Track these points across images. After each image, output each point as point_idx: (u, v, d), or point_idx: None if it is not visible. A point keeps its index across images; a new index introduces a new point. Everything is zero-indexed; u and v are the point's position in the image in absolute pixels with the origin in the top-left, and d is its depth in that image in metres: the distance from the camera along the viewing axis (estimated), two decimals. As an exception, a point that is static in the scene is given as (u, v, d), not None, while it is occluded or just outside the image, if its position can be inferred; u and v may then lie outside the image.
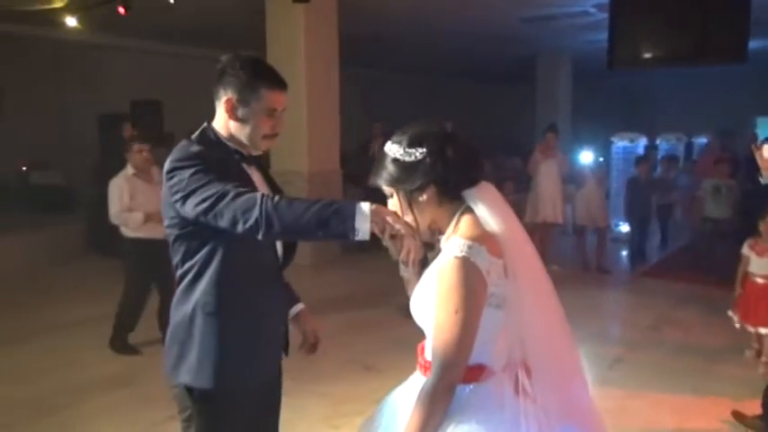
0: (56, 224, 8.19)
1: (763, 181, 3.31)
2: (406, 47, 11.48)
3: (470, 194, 1.53)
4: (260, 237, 1.57)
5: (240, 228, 1.57)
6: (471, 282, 1.41)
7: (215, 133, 1.84)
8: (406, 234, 1.49)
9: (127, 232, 4.66)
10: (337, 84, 7.68)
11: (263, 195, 1.58)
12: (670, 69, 10.01)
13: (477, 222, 1.50)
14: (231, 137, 1.83)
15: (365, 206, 1.50)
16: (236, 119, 1.79)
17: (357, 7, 7.75)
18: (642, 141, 9.59)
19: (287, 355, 2.05)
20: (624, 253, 8.22)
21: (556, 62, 12.94)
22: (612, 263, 7.66)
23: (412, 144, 1.50)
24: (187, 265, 1.79)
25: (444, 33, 10.28)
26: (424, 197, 1.51)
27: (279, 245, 1.91)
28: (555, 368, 1.57)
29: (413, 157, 1.50)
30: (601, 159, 9.76)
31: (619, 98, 15.01)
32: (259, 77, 1.77)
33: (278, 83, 1.80)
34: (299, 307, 2.13)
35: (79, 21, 8.05)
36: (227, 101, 1.78)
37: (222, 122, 1.83)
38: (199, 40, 10.32)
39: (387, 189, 1.57)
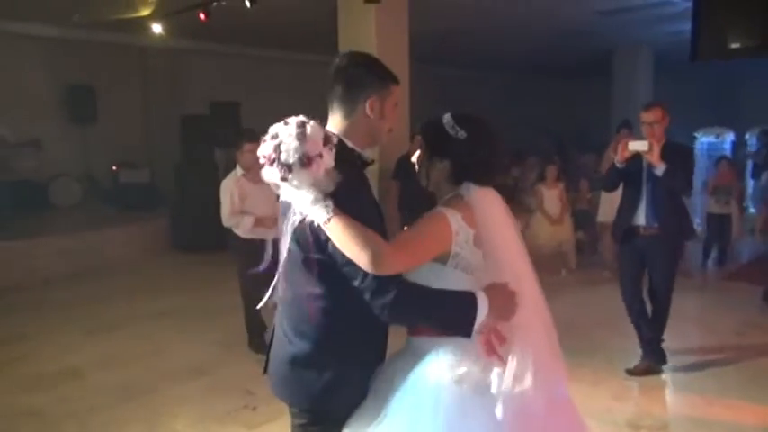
0: (142, 221, 8.64)
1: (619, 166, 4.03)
2: (479, 44, 11.38)
3: (470, 190, 1.76)
4: (379, 313, 1.63)
5: (369, 300, 1.61)
6: (438, 226, 1.68)
7: (342, 142, 1.74)
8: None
9: (240, 232, 4.66)
10: (408, 82, 7.71)
11: (401, 284, 1.62)
12: (761, 60, 9.42)
13: (461, 203, 1.74)
14: (356, 140, 1.78)
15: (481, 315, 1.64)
16: (378, 116, 1.76)
17: (429, 5, 7.75)
18: (729, 137, 9.04)
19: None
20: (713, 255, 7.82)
21: (634, 55, 12.43)
22: (694, 265, 7.31)
23: (460, 123, 1.76)
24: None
25: (518, 29, 10.12)
26: (438, 165, 1.79)
27: None
28: (528, 345, 1.71)
29: (454, 132, 1.76)
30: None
31: (704, 91, 14.25)
32: (387, 74, 1.79)
33: (397, 78, 1.84)
34: None
35: (163, 27, 8.48)
36: (372, 101, 1.74)
37: (348, 126, 1.77)
38: (274, 43, 10.62)
39: (420, 138, 1.89)
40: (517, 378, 1.64)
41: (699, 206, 8.45)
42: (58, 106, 9.61)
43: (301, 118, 1.62)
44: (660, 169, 3.88)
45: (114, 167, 9.98)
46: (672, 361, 4.45)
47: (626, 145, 3.98)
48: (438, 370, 1.67)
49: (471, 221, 1.70)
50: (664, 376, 4.18)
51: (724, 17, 6.00)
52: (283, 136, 1.57)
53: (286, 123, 1.61)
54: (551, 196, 6.98)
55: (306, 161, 1.53)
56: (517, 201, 8.34)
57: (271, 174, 1.58)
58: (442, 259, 1.68)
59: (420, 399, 1.65)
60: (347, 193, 1.60)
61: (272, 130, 1.62)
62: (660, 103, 4.24)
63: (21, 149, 8.81)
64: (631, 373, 4.20)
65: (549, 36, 10.70)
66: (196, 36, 9.75)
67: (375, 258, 1.53)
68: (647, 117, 4.08)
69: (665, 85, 13.05)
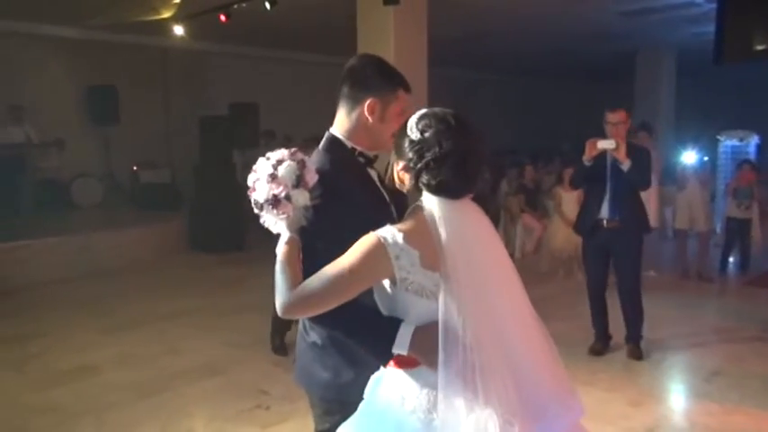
0: (161, 221, 8.73)
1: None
2: (498, 47, 11.33)
3: (431, 203, 1.51)
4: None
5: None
6: (369, 257, 1.46)
7: (339, 140, 1.80)
8: None
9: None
10: (425, 85, 7.69)
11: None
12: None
13: (416, 217, 1.52)
14: (358, 139, 1.79)
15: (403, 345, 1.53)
16: (378, 120, 1.77)
17: (448, 7, 7.73)
18: (754, 140, 8.88)
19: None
20: (731, 259, 7.68)
21: (657, 57, 12.28)
22: (714, 270, 7.18)
23: (421, 121, 1.53)
24: None
25: (538, 31, 10.05)
26: (399, 165, 1.57)
27: None
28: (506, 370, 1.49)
29: (410, 131, 1.53)
30: (705, 159, 9.15)
31: (728, 93, 14.01)
32: (395, 79, 1.79)
33: (408, 85, 1.83)
34: None
35: (185, 29, 8.57)
36: (371, 103, 1.75)
37: (349, 125, 1.80)
38: (293, 45, 10.68)
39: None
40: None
41: (720, 209, 8.30)
42: (81, 107, 9.78)
43: (281, 155, 1.62)
44: (626, 165, 4.24)
45: (135, 167, 10.11)
46: (691, 368, 4.38)
47: (594, 144, 4.27)
48: (391, 386, 1.59)
49: (419, 239, 1.47)
50: (683, 385, 4.11)
51: (748, 19, 5.89)
52: (260, 172, 1.61)
53: (267, 159, 1.62)
54: (569, 199, 6.92)
55: (273, 203, 1.57)
56: (535, 205, 8.28)
57: (252, 203, 1.63)
58: (393, 280, 1.51)
59: (371, 410, 1.62)
60: (324, 212, 1.62)
61: (258, 162, 1.64)
62: (624, 106, 4.58)
63: (44, 149, 8.98)
64: (591, 352, 4.59)
65: (570, 38, 10.62)
66: (216, 38, 9.84)
67: (282, 308, 1.52)
68: (613, 118, 4.41)
69: (688, 87, 12.89)
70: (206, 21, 8.00)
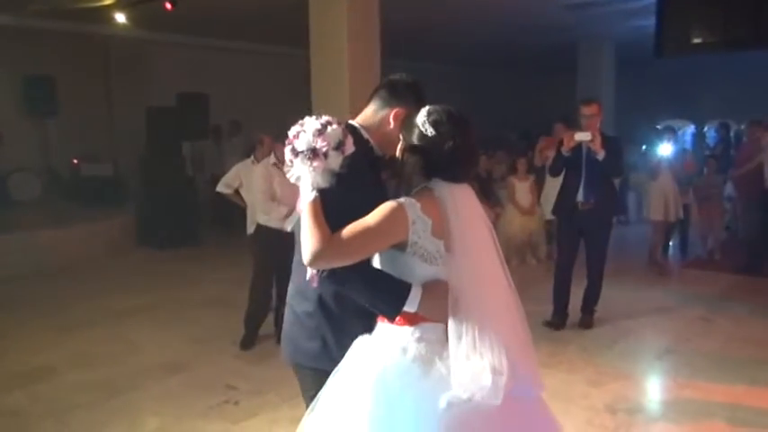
0: (107, 216, 8.44)
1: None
2: (448, 38, 11.43)
3: (439, 184, 1.76)
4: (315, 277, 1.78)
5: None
6: (392, 218, 1.69)
7: (359, 130, 1.95)
8: None
9: (260, 218, 4.70)
10: (379, 76, 7.71)
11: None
12: (722, 54, 9.70)
13: (427, 194, 1.75)
14: (374, 136, 1.96)
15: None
16: (397, 128, 1.92)
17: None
18: (690, 129, 9.33)
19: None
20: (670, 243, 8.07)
21: (598, 50, 12.66)
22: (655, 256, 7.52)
23: (432, 118, 1.76)
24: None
25: (484, 23, 10.20)
26: (410, 160, 1.79)
27: None
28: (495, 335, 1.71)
29: (424, 127, 1.76)
30: (685, 149, 9.52)
31: (665, 85, 14.60)
32: (423, 102, 1.92)
33: None
34: None
35: (128, 17, 8.28)
36: (399, 112, 1.93)
37: (372, 121, 1.97)
38: (242, 35, 10.47)
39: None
40: (476, 376, 1.64)
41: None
42: (17, 98, 9.30)
43: (330, 118, 1.78)
44: (601, 155, 4.63)
45: (76, 161, 9.72)
46: (643, 348, 4.61)
47: (572, 136, 4.70)
48: (388, 341, 1.76)
49: (431, 211, 1.71)
50: (637, 364, 4.32)
51: (687, 13, 6.16)
52: (307, 126, 1.75)
53: (317, 117, 1.77)
54: (522, 188, 7.11)
55: (311, 155, 1.71)
56: (488, 193, 8.44)
57: (286, 153, 1.78)
58: (401, 247, 1.72)
59: (366, 363, 1.74)
60: (343, 182, 1.76)
61: (306, 118, 1.79)
62: (597, 99, 5.01)
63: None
64: (548, 325, 4.98)
65: (513, 30, 10.81)
66: (162, 26, 9.53)
67: (313, 256, 1.67)
68: (587, 111, 4.78)
69: (627, 78, 13.35)
70: (150, 8, 7.76)
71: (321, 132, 1.72)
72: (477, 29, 10.63)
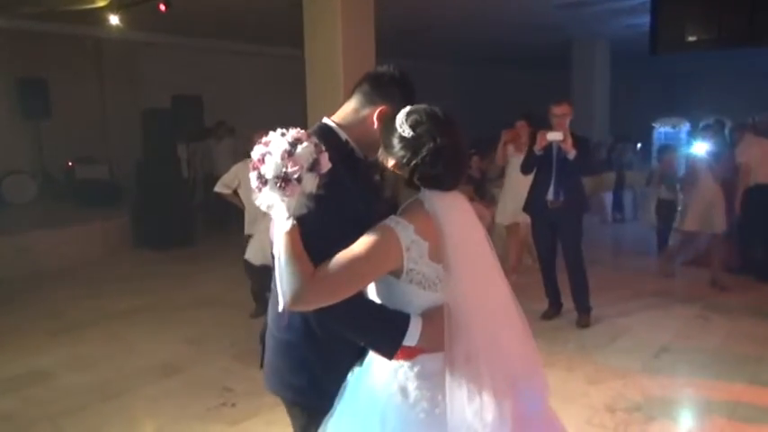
0: (102, 218, 8.39)
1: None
2: (442, 37, 11.44)
3: (429, 195, 1.56)
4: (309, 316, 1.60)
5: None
6: (384, 246, 1.48)
7: (333, 130, 1.75)
8: None
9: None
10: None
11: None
12: (717, 52, 9.68)
13: (419, 211, 1.55)
14: (354, 135, 1.76)
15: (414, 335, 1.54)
16: (381, 128, 1.72)
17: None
18: (685, 126, 9.34)
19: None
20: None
21: (592, 48, 12.71)
22: (652, 253, 7.51)
23: (410, 118, 1.56)
24: None
25: (479, 22, 10.21)
26: (390, 162, 1.58)
27: None
28: (499, 361, 1.57)
29: (401, 128, 1.56)
30: (639, 146, 9.53)
31: (661, 83, 14.63)
32: (412, 99, 1.75)
33: None
34: None
35: (121, 19, 8.24)
36: (384, 109, 1.72)
37: (353, 119, 1.77)
38: (236, 35, 10.45)
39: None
40: (472, 400, 1.50)
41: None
42: (9, 100, 9.25)
43: (299, 133, 1.54)
44: (572, 154, 4.73)
45: (70, 163, 9.67)
46: (641, 345, 4.59)
47: (544, 135, 4.78)
48: (386, 380, 1.60)
49: (427, 232, 1.51)
50: (635, 362, 4.30)
51: (681, 10, 6.16)
52: (273, 147, 1.51)
53: (283, 134, 1.54)
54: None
55: (282, 182, 1.48)
56: (483, 193, 8.42)
57: (251, 179, 1.54)
58: (396, 274, 1.53)
59: (365, 405, 1.61)
60: (322, 204, 1.54)
61: (270, 135, 1.55)
62: (567, 99, 5.03)
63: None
64: (543, 317, 5.14)
65: (507, 29, 10.82)
66: (156, 28, 9.50)
67: (295, 296, 1.47)
68: (557, 111, 4.82)
69: (622, 77, 13.36)
70: (144, 10, 7.72)
71: (291, 154, 1.48)
72: (471, 28, 10.64)
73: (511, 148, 6.35)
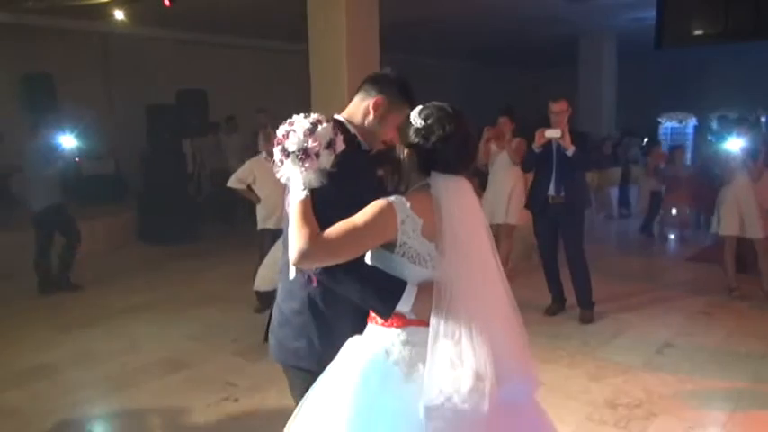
0: (109, 213, 8.45)
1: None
2: (447, 33, 11.39)
3: (437, 179, 1.72)
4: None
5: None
6: (380, 217, 1.65)
7: (344, 123, 1.94)
8: None
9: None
10: (377, 69, 7.67)
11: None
12: (723, 46, 9.63)
13: (419, 192, 1.72)
14: (361, 131, 1.95)
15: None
16: (377, 119, 1.94)
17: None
18: (692, 121, 9.28)
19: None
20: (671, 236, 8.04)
21: (599, 43, 12.64)
22: (656, 249, 7.51)
23: (423, 111, 1.76)
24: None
25: (485, 17, 10.16)
26: (406, 157, 1.76)
27: None
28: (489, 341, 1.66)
29: (414, 120, 1.76)
30: (646, 140, 9.50)
31: (667, 77, 14.51)
32: (409, 96, 1.95)
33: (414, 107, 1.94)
34: None
35: (126, 14, 8.26)
36: (379, 100, 1.93)
37: (355, 113, 1.97)
38: (241, 30, 10.45)
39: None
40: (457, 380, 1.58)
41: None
42: (15, 96, 9.28)
43: (320, 117, 1.75)
44: (571, 151, 4.78)
45: (77, 159, 9.69)
46: (643, 342, 4.59)
47: (542, 133, 4.83)
48: (373, 343, 1.73)
49: (423, 211, 1.67)
50: (637, 359, 4.30)
51: (687, 4, 6.12)
52: (296, 126, 1.73)
53: (306, 116, 1.76)
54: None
55: (303, 155, 1.69)
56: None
57: (275, 153, 1.76)
58: (389, 247, 1.68)
59: (351, 365, 1.71)
60: (334, 180, 1.74)
61: (294, 117, 1.77)
62: (565, 97, 5.04)
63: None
64: (546, 312, 5.16)
65: (513, 23, 10.77)
66: (161, 22, 9.51)
67: (300, 254, 1.64)
68: (556, 108, 4.88)
69: (629, 71, 13.28)
70: (149, 5, 7.73)
71: (312, 132, 1.70)
72: (477, 23, 10.60)
73: (493, 146, 6.18)
